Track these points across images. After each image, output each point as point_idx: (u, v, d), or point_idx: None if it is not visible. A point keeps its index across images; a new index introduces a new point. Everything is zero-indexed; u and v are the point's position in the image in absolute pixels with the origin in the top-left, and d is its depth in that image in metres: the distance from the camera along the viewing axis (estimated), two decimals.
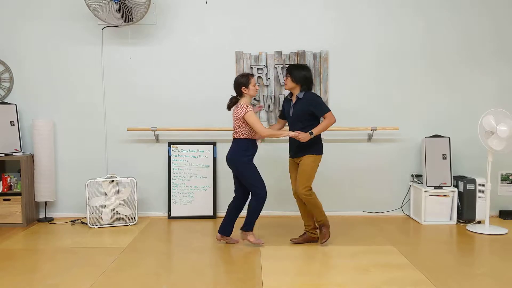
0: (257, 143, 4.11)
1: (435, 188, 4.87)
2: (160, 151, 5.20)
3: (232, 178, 4.21)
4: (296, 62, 5.08)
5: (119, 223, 4.88)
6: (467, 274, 3.44)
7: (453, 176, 5.03)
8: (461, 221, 4.90)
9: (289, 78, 4.05)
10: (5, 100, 5.11)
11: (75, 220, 5.03)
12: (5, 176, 4.90)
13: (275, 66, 5.09)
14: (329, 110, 3.98)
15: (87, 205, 4.79)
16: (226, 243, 4.20)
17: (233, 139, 4.07)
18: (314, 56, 5.10)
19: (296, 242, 4.19)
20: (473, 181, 4.82)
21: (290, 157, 4.23)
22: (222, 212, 5.17)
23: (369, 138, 5.18)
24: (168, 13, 5.11)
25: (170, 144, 5.15)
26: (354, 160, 5.21)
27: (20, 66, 5.12)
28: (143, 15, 4.78)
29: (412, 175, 5.19)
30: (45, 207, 5.11)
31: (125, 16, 4.71)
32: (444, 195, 4.87)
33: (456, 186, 4.95)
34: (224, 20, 5.11)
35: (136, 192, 4.93)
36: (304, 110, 4.00)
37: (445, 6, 5.09)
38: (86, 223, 4.89)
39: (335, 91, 5.16)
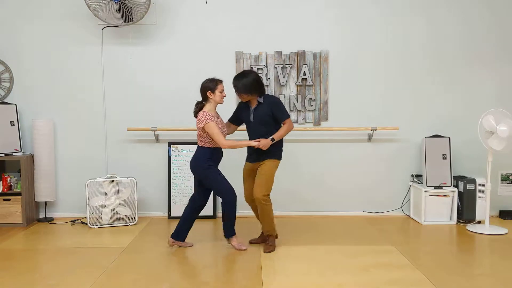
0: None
1: (435, 188, 4.87)
2: (160, 151, 5.20)
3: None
4: (295, 63, 5.08)
5: (119, 223, 4.88)
6: (467, 274, 3.44)
7: (453, 176, 5.03)
8: (461, 221, 4.90)
9: (240, 94, 3.88)
10: (5, 100, 5.11)
11: (75, 220, 5.03)
12: (5, 176, 4.91)
13: (275, 66, 5.09)
14: (289, 116, 3.94)
15: (87, 205, 4.79)
16: (179, 247, 4.09)
17: (197, 146, 3.94)
18: (314, 56, 5.10)
19: (254, 242, 4.21)
20: (473, 181, 4.82)
21: (248, 161, 4.07)
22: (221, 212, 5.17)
23: (369, 138, 5.18)
24: (168, 13, 5.11)
25: (170, 144, 5.15)
26: (354, 160, 5.21)
27: (20, 66, 5.12)
28: (143, 15, 4.78)
29: (412, 175, 5.19)
30: (45, 207, 5.11)
31: (125, 16, 4.71)
32: (444, 195, 4.87)
33: (456, 186, 4.95)
34: (224, 20, 5.11)
35: (136, 192, 4.94)
36: (266, 113, 3.88)
37: (446, 6, 5.09)
38: (86, 223, 4.89)
39: (335, 91, 5.15)
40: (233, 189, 3.91)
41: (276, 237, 4.15)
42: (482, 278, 3.36)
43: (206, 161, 3.87)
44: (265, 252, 3.94)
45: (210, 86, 3.85)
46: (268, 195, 3.91)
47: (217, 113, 3.99)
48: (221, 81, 3.91)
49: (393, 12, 5.10)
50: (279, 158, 3.99)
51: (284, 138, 4.00)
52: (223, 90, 3.90)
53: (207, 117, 3.79)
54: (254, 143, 3.83)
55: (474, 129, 5.11)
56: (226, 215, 3.96)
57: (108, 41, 5.11)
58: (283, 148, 4.11)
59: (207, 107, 3.89)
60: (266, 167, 3.91)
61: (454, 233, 4.54)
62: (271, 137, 3.87)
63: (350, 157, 5.21)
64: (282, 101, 5.09)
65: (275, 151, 3.95)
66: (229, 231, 4.02)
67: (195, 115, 3.93)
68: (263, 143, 3.83)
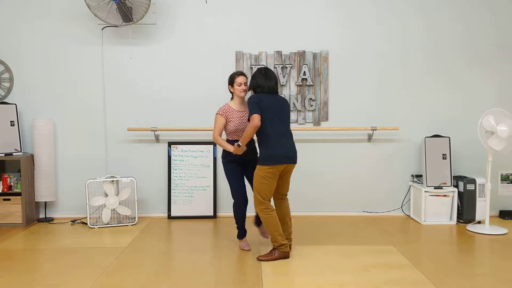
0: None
1: (435, 188, 4.87)
2: (160, 151, 5.20)
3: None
4: (295, 63, 5.09)
5: (119, 223, 4.88)
6: (467, 274, 3.44)
7: (453, 176, 5.03)
8: (461, 221, 4.90)
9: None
10: (5, 100, 5.12)
11: (75, 220, 5.03)
12: (5, 176, 4.91)
13: (275, 66, 5.09)
14: (254, 112, 3.51)
15: (87, 205, 4.80)
16: (261, 233, 4.16)
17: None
18: (314, 56, 5.10)
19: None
20: (473, 181, 4.82)
21: None
22: (222, 212, 5.18)
23: (369, 138, 5.18)
24: (168, 13, 5.11)
25: (170, 144, 5.15)
26: (354, 160, 5.21)
27: (20, 66, 5.12)
28: (143, 15, 4.78)
29: (412, 175, 5.19)
30: (45, 207, 5.11)
31: (125, 16, 4.71)
32: (444, 195, 4.88)
33: (456, 186, 4.95)
34: (224, 20, 5.11)
35: (136, 192, 4.94)
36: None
37: (446, 6, 5.10)
38: (86, 223, 4.89)
39: (335, 91, 5.16)
40: (240, 190, 3.87)
41: (286, 256, 3.75)
42: (482, 278, 3.36)
43: (225, 154, 3.91)
44: (257, 258, 3.74)
45: (230, 79, 3.86)
46: (263, 203, 3.66)
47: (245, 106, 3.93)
48: (239, 74, 3.81)
49: (393, 12, 5.10)
50: (264, 163, 3.57)
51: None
52: (241, 83, 3.79)
53: (220, 108, 3.85)
54: (230, 147, 3.77)
55: (474, 129, 5.11)
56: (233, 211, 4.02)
57: (108, 41, 5.11)
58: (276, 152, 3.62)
59: (231, 101, 3.91)
60: (254, 176, 3.69)
61: (454, 233, 4.54)
62: (237, 143, 3.67)
63: (350, 157, 5.21)
64: None
65: (259, 154, 3.67)
66: (239, 232, 4.07)
67: None
68: (234, 149, 3.72)
